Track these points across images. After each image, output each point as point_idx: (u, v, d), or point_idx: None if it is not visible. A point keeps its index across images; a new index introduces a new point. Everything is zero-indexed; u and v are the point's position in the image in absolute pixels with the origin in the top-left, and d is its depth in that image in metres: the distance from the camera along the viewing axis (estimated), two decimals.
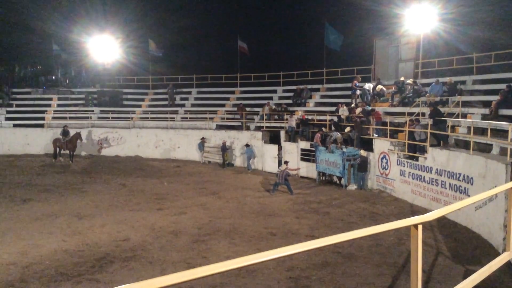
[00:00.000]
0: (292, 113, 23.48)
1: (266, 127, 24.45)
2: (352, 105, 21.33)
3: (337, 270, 8.97)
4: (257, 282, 8.40)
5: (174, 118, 28.30)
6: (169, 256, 9.95)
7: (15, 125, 28.15)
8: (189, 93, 31.24)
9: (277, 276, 8.66)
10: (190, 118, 28.21)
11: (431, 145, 14.73)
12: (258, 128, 24.78)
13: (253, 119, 25.91)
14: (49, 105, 30.34)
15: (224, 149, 23.82)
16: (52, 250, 10.25)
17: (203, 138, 25.00)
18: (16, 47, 34.16)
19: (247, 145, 23.40)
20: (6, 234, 11.48)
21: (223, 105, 29.15)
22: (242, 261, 2.48)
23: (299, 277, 8.64)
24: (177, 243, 10.94)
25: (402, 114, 18.51)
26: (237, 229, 12.13)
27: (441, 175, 13.80)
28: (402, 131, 16.71)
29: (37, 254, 9.94)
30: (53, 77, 32.80)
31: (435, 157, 14.23)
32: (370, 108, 19.75)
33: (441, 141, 15.11)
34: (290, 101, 26.14)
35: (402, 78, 20.59)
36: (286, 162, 18.15)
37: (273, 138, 23.74)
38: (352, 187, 17.82)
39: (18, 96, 30.97)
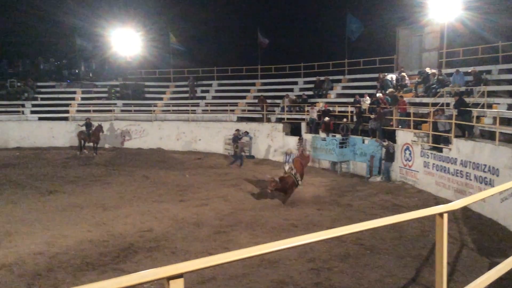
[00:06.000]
0: (313, 104, 23.34)
1: (287, 119, 24.37)
2: (378, 94, 20.77)
3: (359, 262, 8.92)
4: (279, 273, 8.41)
5: (195, 110, 28.42)
6: (192, 247, 10.05)
7: (40, 118, 28.69)
8: (210, 85, 31.32)
9: (299, 267, 8.66)
10: (211, 110, 28.30)
11: (456, 136, 14.47)
12: (279, 120, 24.73)
13: (274, 111, 25.86)
14: (73, 98, 30.83)
15: (236, 140, 23.74)
16: (78, 240, 10.46)
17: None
18: (40, 41, 34.73)
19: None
20: (33, 224, 11.75)
21: (244, 97, 29.13)
22: (263, 249, 2.49)
23: (320, 268, 8.62)
24: (199, 234, 11.03)
25: (426, 104, 18.21)
26: (258, 221, 12.16)
27: (466, 167, 13.56)
28: (426, 122, 16.45)
29: (63, 244, 10.16)
30: (77, 71, 33.26)
31: (460, 148, 13.97)
32: (397, 95, 19.38)
33: (466, 132, 14.83)
34: (311, 92, 25.98)
35: (427, 69, 20.19)
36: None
37: (294, 130, 23.67)
38: (375, 178, 17.65)
39: (43, 90, 31.52)
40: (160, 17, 33.86)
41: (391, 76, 21.55)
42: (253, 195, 15.30)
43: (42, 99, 30.76)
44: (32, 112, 29.31)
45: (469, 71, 18.18)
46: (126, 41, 31.49)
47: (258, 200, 14.66)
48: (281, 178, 14.25)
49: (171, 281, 2.19)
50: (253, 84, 30.02)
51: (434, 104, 17.25)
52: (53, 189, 16.16)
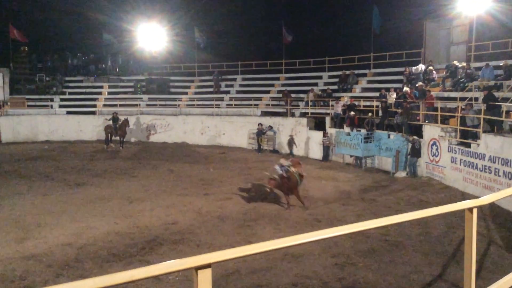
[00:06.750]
0: (338, 99, 23.14)
1: (312, 113, 24.24)
2: (405, 88, 20.37)
3: (384, 258, 8.84)
4: (302, 267, 8.41)
5: (219, 105, 28.57)
6: (216, 240, 10.13)
7: (68, 112, 29.32)
8: (234, 80, 31.38)
9: (323, 262, 8.64)
10: (235, 105, 28.38)
11: (484, 131, 14.16)
12: (303, 115, 24.62)
13: (298, 106, 25.75)
14: (100, 93, 31.39)
15: (260, 134, 23.85)
16: (105, 232, 10.67)
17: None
18: (68, 37, 35.39)
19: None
20: (61, 216, 12.02)
21: (268, 92, 29.09)
22: (289, 241, 2.50)
23: (345, 263, 8.58)
24: (223, 227, 11.11)
25: (454, 99, 17.86)
26: (282, 215, 12.18)
27: (494, 162, 13.26)
28: (453, 116, 16.14)
29: (91, 236, 10.38)
30: (104, 66, 33.81)
31: (489, 143, 13.67)
32: (426, 89, 19.02)
33: (495, 127, 14.49)
34: (336, 87, 25.74)
35: (455, 62, 19.76)
36: None
37: (318, 124, 23.53)
38: (400, 174, 17.43)
39: (70, 84, 32.21)
40: (185, 12, 34.01)
41: (421, 68, 21.13)
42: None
43: (70, 93, 31.42)
44: (61, 106, 29.95)
45: (501, 64, 17.72)
46: (151, 36, 31.77)
47: (282, 194, 14.62)
48: (283, 176, 12.91)
49: (199, 271, 2.22)
50: (277, 79, 29.94)
51: (462, 99, 16.89)
52: (80, 181, 16.50)
